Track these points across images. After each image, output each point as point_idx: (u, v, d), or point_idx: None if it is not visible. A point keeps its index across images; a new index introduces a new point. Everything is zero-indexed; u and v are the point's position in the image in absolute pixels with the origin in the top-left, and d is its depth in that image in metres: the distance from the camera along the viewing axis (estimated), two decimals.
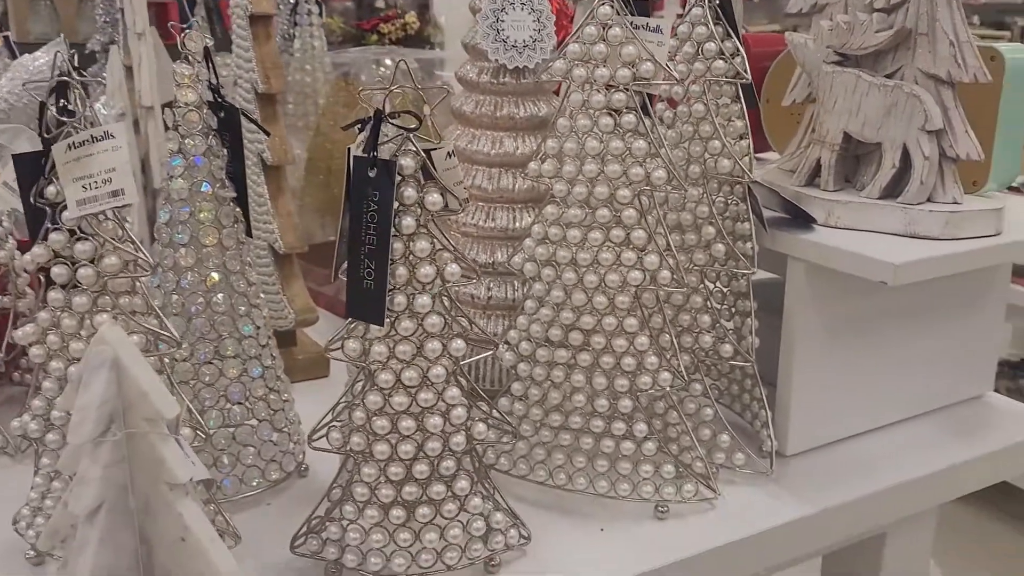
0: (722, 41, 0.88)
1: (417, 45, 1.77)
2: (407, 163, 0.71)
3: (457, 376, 0.75)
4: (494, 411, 0.79)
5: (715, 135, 0.90)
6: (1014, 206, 0.99)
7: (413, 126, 0.70)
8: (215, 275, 0.82)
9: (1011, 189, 1.12)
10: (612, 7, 0.79)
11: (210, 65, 0.80)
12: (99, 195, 0.68)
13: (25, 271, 0.97)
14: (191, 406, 0.78)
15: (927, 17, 0.91)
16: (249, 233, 0.85)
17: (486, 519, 0.77)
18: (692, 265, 0.92)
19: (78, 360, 0.70)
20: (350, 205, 0.71)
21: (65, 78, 0.69)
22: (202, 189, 0.80)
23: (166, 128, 0.81)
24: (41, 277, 0.71)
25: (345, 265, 0.72)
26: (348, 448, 0.74)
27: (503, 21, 0.94)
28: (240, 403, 0.84)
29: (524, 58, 0.95)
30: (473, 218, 0.98)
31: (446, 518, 0.75)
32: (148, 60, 1.09)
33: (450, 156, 0.76)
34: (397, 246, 0.71)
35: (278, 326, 1.08)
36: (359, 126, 0.72)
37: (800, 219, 0.94)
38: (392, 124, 0.70)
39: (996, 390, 1.13)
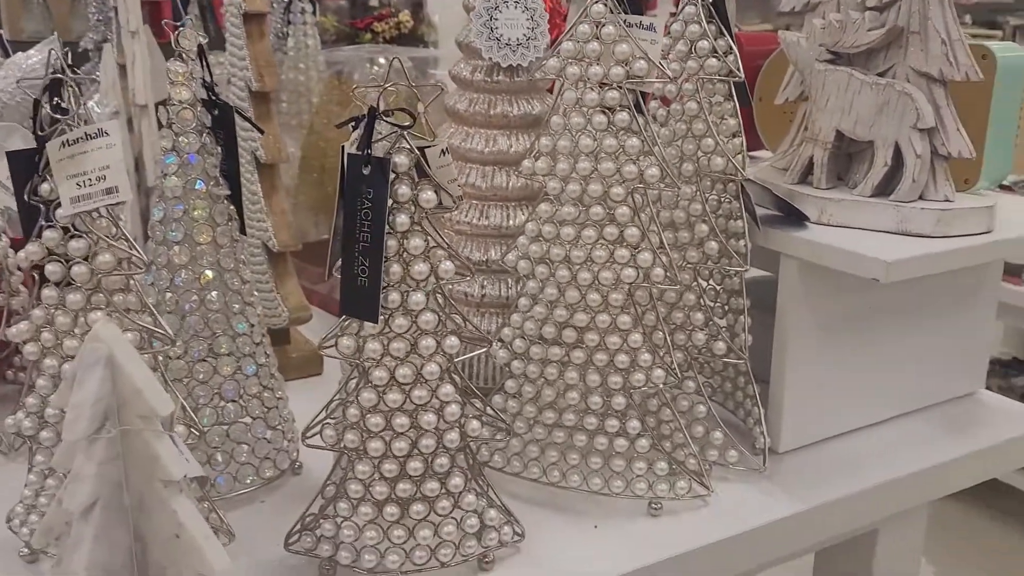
0: (715, 39, 0.89)
1: (411, 44, 1.76)
2: (401, 160, 0.71)
3: (451, 373, 0.75)
4: (488, 408, 0.79)
5: (708, 133, 0.90)
6: (1005, 204, 0.99)
7: (407, 124, 0.71)
8: (209, 273, 0.82)
9: (1002, 187, 1.13)
10: (606, 5, 0.80)
11: (204, 63, 0.80)
12: (93, 192, 0.68)
13: (18, 269, 0.97)
14: (185, 404, 0.78)
15: (919, 15, 0.91)
16: (243, 231, 0.85)
17: (480, 516, 0.77)
18: (685, 263, 0.93)
19: (72, 358, 0.70)
20: (344, 202, 0.71)
21: (59, 75, 0.69)
22: (196, 187, 0.80)
23: (160, 126, 0.81)
24: (35, 275, 0.71)
25: (339, 262, 0.72)
26: (342, 445, 0.75)
27: (497, 19, 0.94)
28: (234, 401, 0.85)
29: (518, 56, 0.95)
30: (467, 216, 0.98)
31: (440, 515, 0.75)
32: (142, 58, 1.09)
33: (444, 154, 0.76)
34: (391, 243, 0.71)
35: (272, 324, 1.08)
36: (353, 124, 0.73)
37: (793, 217, 0.95)
38: (386, 122, 0.70)
39: (988, 388, 1.13)
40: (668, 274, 0.82)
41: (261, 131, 1.01)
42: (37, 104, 0.69)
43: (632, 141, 0.80)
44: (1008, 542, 2.75)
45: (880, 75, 0.95)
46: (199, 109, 0.80)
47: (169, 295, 0.81)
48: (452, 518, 0.76)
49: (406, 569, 0.75)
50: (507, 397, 0.87)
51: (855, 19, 0.94)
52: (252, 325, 0.85)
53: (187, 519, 0.61)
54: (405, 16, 1.75)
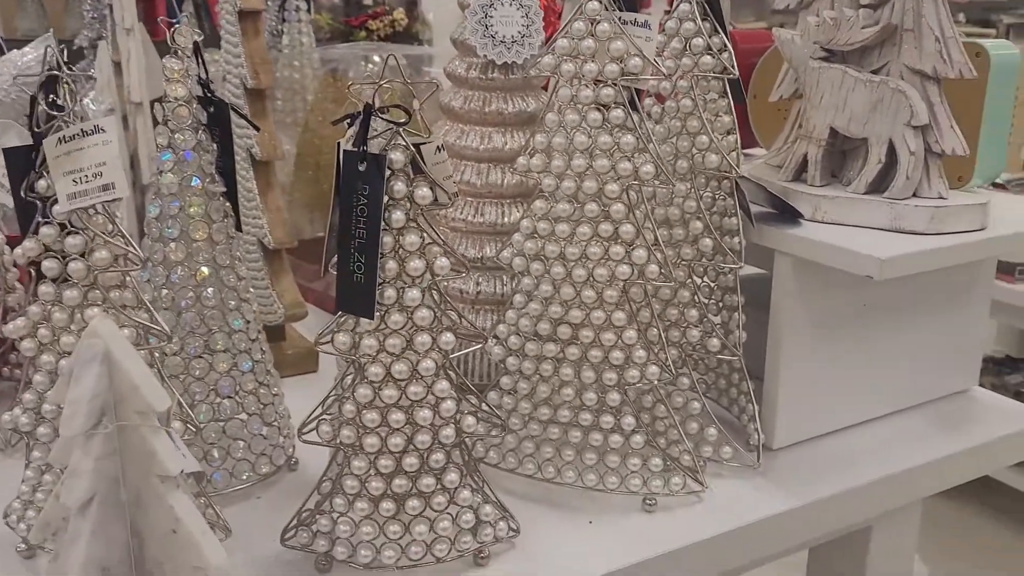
0: (710, 37, 0.89)
1: (405, 41, 1.76)
2: (397, 157, 0.71)
3: (447, 369, 0.76)
4: (483, 404, 0.79)
5: (703, 130, 0.90)
6: (998, 202, 1.00)
7: (403, 120, 0.71)
8: (205, 269, 0.82)
9: (995, 186, 1.13)
10: (601, 2, 0.80)
11: (200, 60, 0.80)
12: (89, 189, 0.68)
13: (14, 265, 0.97)
14: (181, 400, 0.78)
15: (913, 13, 0.92)
16: (239, 228, 0.85)
17: (475, 512, 0.78)
18: (680, 260, 0.93)
19: (69, 354, 0.70)
20: (340, 199, 0.71)
21: (55, 72, 0.69)
22: (192, 184, 0.81)
23: (156, 123, 0.81)
24: (32, 271, 0.71)
25: (335, 259, 0.72)
26: (338, 441, 0.75)
27: (492, 17, 0.94)
28: (230, 397, 0.85)
29: (512, 54, 0.95)
30: (462, 213, 0.99)
31: (436, 511, 0.76)
32: (137, 56, 1.09)
33: (439, 150, 0.77)
34: (387, 240, 0.72)
35: (267, 321, 1.08)
36: (349, 121, 0.73)
37: (787, 214, 0.95)
38: (382, 118, 0.71)
39: (981, 386, 1.14)
40: (663, 271, 0.82)
41: (257, 128, 1.01)
42: (34, 100, 0.69)
43: (627, 138, 0.81)
44: (1001, 539, 2.76)
45: (874, 72, 0.95)
46: (195, 106, 0.80)
47: (165, 292, 0.81)
48: (448, 514, 0.76)
49: (402, 564, 0.76)
50: (502, 393, 0.88)
51: (849, 16, 0.94)
52: (248, 322, 0.85)
53: (184, 514, 0.61)
54: (399, 14, 1.75)
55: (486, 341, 0.85)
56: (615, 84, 0.80)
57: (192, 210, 0.81)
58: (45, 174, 0.69)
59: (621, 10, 0.84)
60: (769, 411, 0.96)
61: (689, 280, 0.93)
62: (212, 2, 1.35)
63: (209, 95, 0.81)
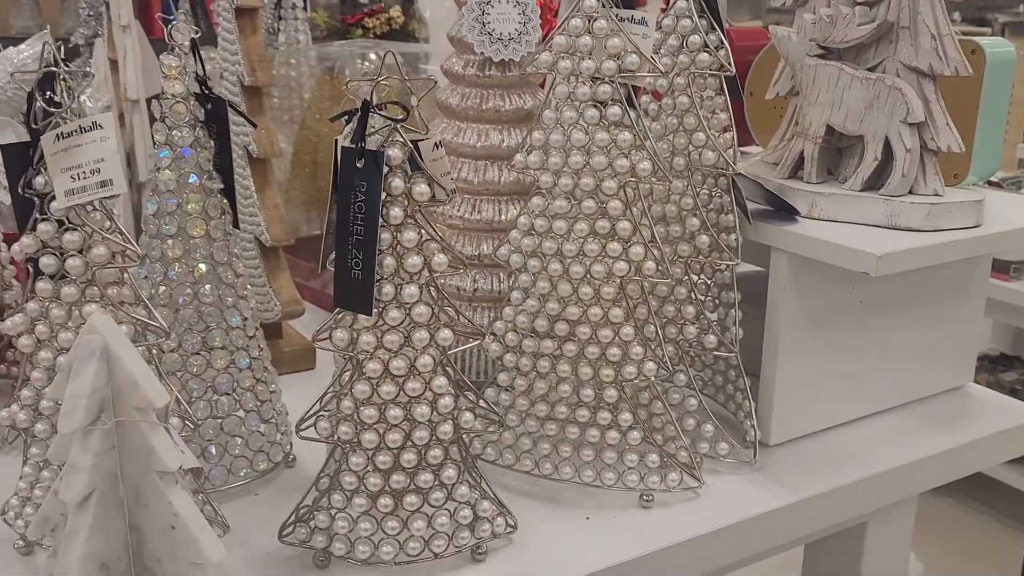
0: (706, 34, 0.89)
1: (401, 39, 1.76)
2: (395, 154, 0.71)
3: (444, 366, 0.76)
4: (481, 401, 0.79)
5: (699, 127, 0.90)
6: (993, 200, 1.00)
7: (400, 117, 0.71)
8: (202, 266, 0.82)
9: (990, 184, 1.14)
10: (598, 0, 0.80)
11: (197, 57, 0.81)
12: (87, 185, 0.68)
13: (12, 263, 0.97)
14: (179, 396, 0.78)
15: (909, 11, 0.92)
16: (236, 225, 0.85)
17: (473, 508, 0.78)
18: (677, 256, 0.93)
19: (66, 350, 0.70)
20: (338, 196, 0.71)
21: (53, 69, 0.69)
22: (189, 180, 0.81)
23: (152, 120, 0.81)
24: (29, 268, 0.71)
25: (333, 255, 0.73)
26: (336, 437, 0.75)
27: (489, 14, 0.94)
28: (228, 394, 0.85)
29: (510, 51, 0.95)
30: (459, 210, 0.99)
31: (433, 506, 0.76)
32: (133, 53, 1.09)
33: (437, 147, 0.77)
34: (385, 236, 0.72)
35: (264, 318, 1.08)
36: (346, 118, 0.73)
37: (783, 211, 0.95)
38: (380, 115, 0.71)
39: (976, 383, 1.14)
40: (660, 268, 0.82)
41: (254, 125, 1.01)
42: (31, 97, 0.69)
43: (624, 135, 0.81)
44: (995, 535, 2.77)
45: (870, 70, 0.95)
46: (192, 103, 0.80)
47: (163, 288, 0.81)
48: (445, 509, 0.76)
49: (400, 560, 0.76)
50: (500, 390, 0.88)
51: (845, 14, 0.95)
52: (245, 319, 0.85)
53: (183, 510, 0.61)
54: (396, 12, 1.75)
55: (483, 338, 0.85)
56: (612, 81, 0.81)
57: (190, 207, 0.81)
58: (43, 170, 0.69)
59: (618, 7, 0.84)
60: (765, 407, 0.96)
61: (686, 277, 0.94)
62: (208, 0, 1.35)
63: (206, 92, 0.81)
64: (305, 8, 1.60)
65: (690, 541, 0.82)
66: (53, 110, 0.69)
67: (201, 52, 0.81)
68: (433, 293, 0.75)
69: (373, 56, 1.55)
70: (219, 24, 1.07)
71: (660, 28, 0.91)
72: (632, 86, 0.84)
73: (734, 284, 0.95)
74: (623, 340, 0.83)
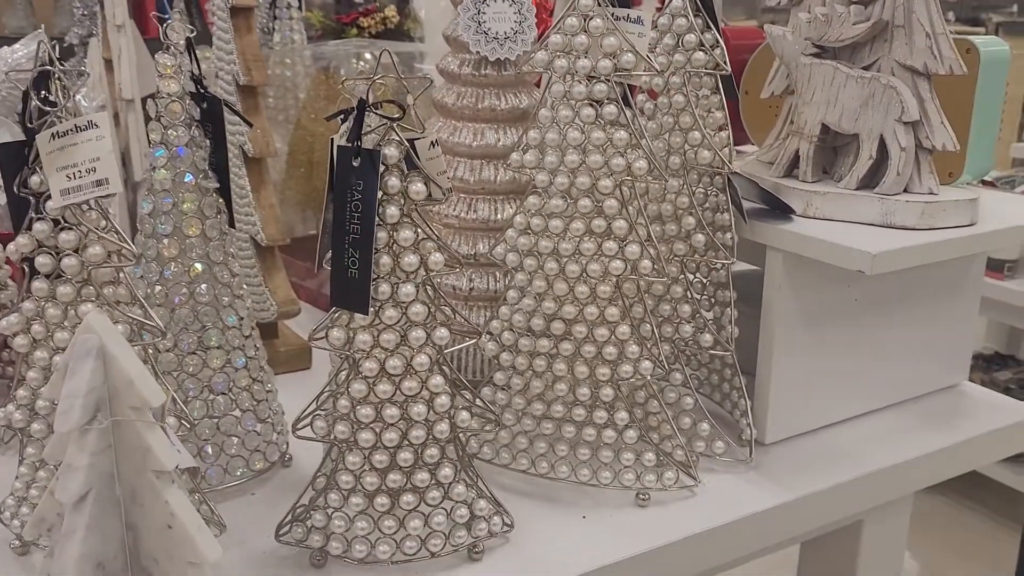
0: (702, 33, 0.89)
1: (396, 38, 1.76)
2: (391, 152, 0.71)
3: (441, 364, 0.76)
4: (477, 400, 0.79)
5: (695, 126, 0.90)
6: (987, 199, 1.00)
7: (397, 116, 0.71)
8: (198, 265, 0.82)
9: (984, 183, 1.14)
10: None
11: (192, 56, 0.80)
12: (83, 184, 0.68)
13: (7, 262, 0.97)
14: (175, 396, 0.78)
15: (903, 9, 0.92)
16: (232, 224, 0.85)
17: (469, 507, 0.78)
18: (673, 255, 0.93)
19: (62, 350, 0.70)
20: (334, 195, 0.71)
21: (48, 68, 0.69)
22: (185, 180, 0.80)
23: (148, 120, 0.81)
24: (25, 267, 0.71)
25: (329, 254, 0.72)
26: (332, 437, 0.75)
27: (484, 13, 0.94)
28: (224, 393, 0.85)
29: (505, 50, 0.95)
30: (455, 210, 0.99)
31: (430, 505, 0.76)
32: (128, 52, 1.09)
33: (433, 146, 0.77)
34: (381, 235, 0.72)
35: (260, 318, 1.08)
36: (342, 117, 0.73)
37: (779, 210, 0.95)
38: (376, 114, 0.71)
39: (971, 382, 1.14)
40: (655, 267, 0.83)
41: (250, 124, 1.01)
42: (26, 96, 0.69)
43: (620, 134, 0.81)
44: (988, 534, 2.77)
45: (865, 68, 0.96)
46: (188, 102, 0.80)
47: (159, 288, 0.81)
48: (442, 508, 0.76)
49: (396, 559, 0.76)
50: (496, 389, 0.88)
51: (840, 13, 0.95)
52: (241, 318, 0.85)
53: (179, 509, 0.61)
54: (391, 11, 1.75)
55: (480, 337, 0.85)
56: (608, 80, 0.81)
57: (185, 206, 0.81)
58: (38, 170, 0.69)
59: (614, 6, 0.85)
60: (761, 406, 0.96)
61: (682, 276, 0.94)
62: (202, 0, 1.35)
63: (202, 91, 0.81)
64: (300, 7, 1.59)
65: (686, 540, 0.82)
66: (48, 109, 0.69)
67: (196, 51, 0.81)
68: (429, 292, 0.75)
69: (368, 55, 1.55)
70: (214, 23, 1.07)
71: (656, 27, 0.91)
72: (628, 85, 0.84)
73: (730, 283, 0.95)
74: (619, 339, 0.83)
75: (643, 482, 0.87)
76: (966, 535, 2.76)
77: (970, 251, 0.97)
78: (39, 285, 0.70)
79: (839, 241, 0.88)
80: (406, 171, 0.72)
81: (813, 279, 0.94)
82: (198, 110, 0.81)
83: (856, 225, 0.93)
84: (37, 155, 0.68)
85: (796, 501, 0.89)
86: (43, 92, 0.69)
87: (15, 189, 0.69)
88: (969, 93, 1.01)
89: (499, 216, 0.98)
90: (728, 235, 0.93)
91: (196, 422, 0.83)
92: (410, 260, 0.72)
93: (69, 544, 0.59)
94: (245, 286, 0.88)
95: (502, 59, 0.96)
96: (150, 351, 0.75)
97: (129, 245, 0.71)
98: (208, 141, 0.82)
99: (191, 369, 0.83)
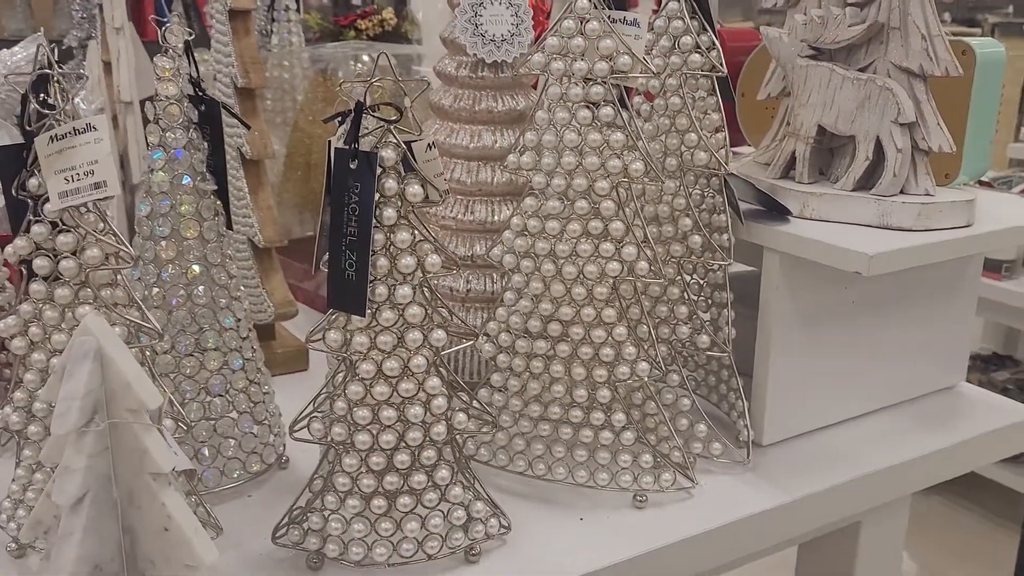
0: (698, 35, 0.90)
1: (394, 41, 1.76)
2: (388, 155, 0.71)
3: (438, 366, 0.76)
4: (474, 402, 0.80)
5: (691, 128, 0.91)
6: (984, 200, 1.01)
7: (394, 118, 0.71)
8: (196, 268, 0.82)
9: (981, 183, 1.14)
10: (590, 1, 0.80)
11: (190, 59, 0.81)
12: (81, 187, 0.68)
13: (5, 264, 0.97)
14: (172, 398, 0.78)
15: (899, 11, 0.93)
16: (229, 226, 0.85)
17: (467, 508, 0.78)
18: (669, 257, 0.93)
19: (60, 352, 0.70)
20: (331, 197, 0.71)
21: (46, 71, 0.69)
22: (183, 182, 0.81)
23: (146, 122, 0.81)
24: (23, 269, 0.71)
25: (326, 257, 0.73)
26: (329, 439, 0.75)
27: (481, 15, 0.94)
28: (221, 395, 0.85)
29: (502, 52, 0.95)
30: (452, 211, 0.99)
31: (427, 507, 0.76)
32: (126, 55, 1.09)
33: (430, 148, 0.77)
34: (378, 237, 0.72)
35: (257, 320, 1.08)
36: (340, 119, 0.73)
37: (775, 211, 0.95)
38: (373, 116, 0.71)
39: (968, 383, 1.15)
40: (652, 268, 0.83)
41: (248, 127, 1.01)
42: (25, 99, 0.69)
43: (616, 136, 0.81)
44: (987, 536, 2.78)
45: (861, 70, 0.96)
46: (186, 104, 0.80)
47: (156, 290, 0.81)
48: (439, 511, 0.76)
49: (393, 561, 0.76)
50: (493, 391, 0.88)
51: (836, 15, 0.95)
52: (239, 320, 0.85)
53: (176, 512, 0.61)
54: (389, 13, 1.75)
55: (477, 338, 0.85)
56: (604, 82, 0.81)
57: (183, 208, 0.81)
58: (36, 172, 0.69)
59: (610, 8, 0.85)
60: (758, 407, 0.96)
61: (678, 277, 0.94)
62: (201, 2, 1.35)
63: (200, 94, 0.81)
64: (298, 10, 1.60)
65: (684, 541, 0.82)
66: (47, 112, 0.69)
67: (194, 54, 0.81)
68: (426, 294, 0.75)
69: (366, 58, 1.55)
70: (212, 26, 1.07)
71: (652, 29, 0.91)
72: (624, 87, 0.84)
73: (727, 284, 0.95)
74: (616, 340, 0.83)
75: (640, 483, 0.87)
76: (964, 536, 2.77)
77: (967, 252, 0.97)
78: (37, 287, 0.71)
79: (836, 242, 0.88)
80: (403, 173, 0.72)
81: (810, 280, 0.94)
82: (196, 112, 0.81)
83: (853, 226, 0.93)
84: (35, 158, 0.69)
85: (793, 502, 0.89)
86: (42, 95, 0.69)
87: (13, 191, 0.70)
88: (965, 94, 1.01)
89: (496, 218, 0.98)
90: (725, 236, 0.93)
91: (193, 424, 0.83)
92: (407, 262, 0.72)
93: (66, 546, 0.59)
94: (242, 288, 0.88)
95: (499, 61, 0.96)
96: (147, 353, 0.75)
97: (127, 247, 0.71)
98: (206, 143, 0.82)
99: (188, 371, 0.83)
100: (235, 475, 0.87)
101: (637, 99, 0.94)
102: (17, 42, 1.20)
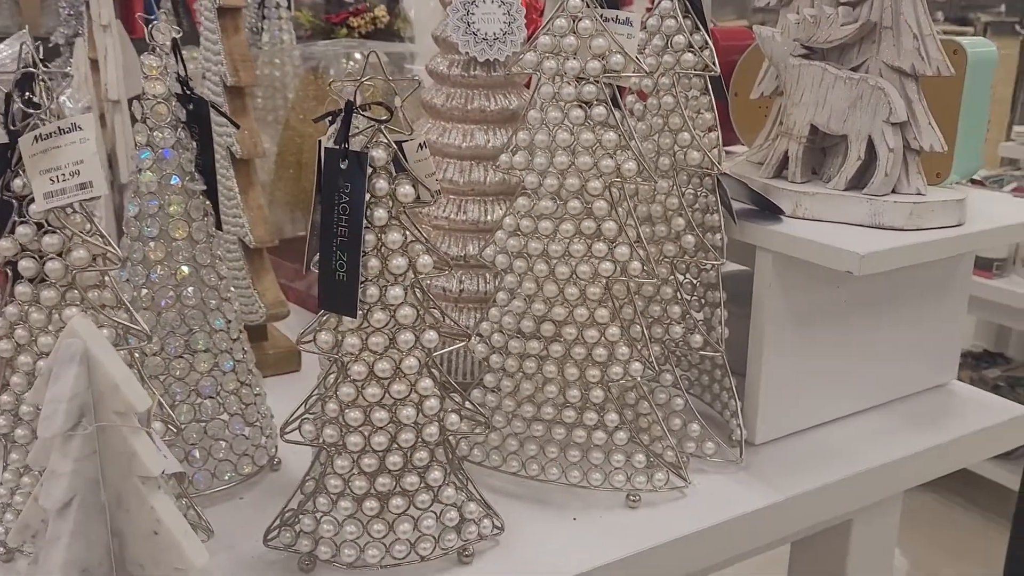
0: (691, 34, 0.89)
1: (386, 39, 1.76)
2: (379, 155, 0.71)
3: (430, 367, 0.75)
4: (467, 402, 0.79)
5: (684, 127, 0.90)
6: (976, 198, 1.01)
7: (384, 118, 0.70)
8: (185, 269, 0.81)
9: (973, 182, 1.14)
10: (582, 0, 0.80)
11: (178, 57, 0.80)
12: (67, 187, 0.68)
13: None
14: (162, 400, 0.77)
15: (891, 11, 0.92)
16: (219, 226, 0.84)
17: (459, 509, 0.77)
18: (662, 256, 0.93)
19: (46, 355, 0.70)
20: (322, 197, 0.71)
21: (31, 70, 0.68)
22: (171, 182, 0.80)
23: (134, 121, 0.80)
24: (8, 271, 0.70)
25: (317, 257, 0.72)
26: (321, 440, 0.74)
27: (473, 14, 0.94)
28: (211, 397, 0.84)
29: (495, 51, 0.95)
30: (444, 211, 0.98)
31: (420, 509, 0.75)
32: (114, 53, 1.08)
33: (422, 148, 0.76)
34: (369, 238, 0.71)
35: (249, 320, 1.07)
36: (330, 118, 0.72)
37: (768, 210, 0.95)
38: (364, 116, 0.70)
39: (960, 381, 1.15)
40: (645, 268, 0.82)
41: (237, 126, 1.01)
42: (9, 98, 0.69)
43: (609, 135, 0.81)
44: (979, 532, 2.78)
45: (853, 70, 0.96)
46: (174, 103, 0.79)
47: (145, 291, 0.81)
48: (432, 512, 0.76)
49: (386, 563, 0.76)
50: (486, 391, 0.88)
51: (828, 14, 0.95)
52: (229, 321, 0.85)
53: (165, 515, 0.61)
54: (381, 11, 1.75)
55: (469, 339, 0.85)
56: (597, 81, 0.80)
57: (172, 208, 0.80)
58: (21, 173, 0.68)
59: (603, 7, 0.84)
60: (751, 407, 0.96)
61: (671, 277, 0.93)
62: (190, 0, 1.34)
63: (188, 92, 0.81)
64: (289, 7, 1.59)
65: (677, 541, 0.82)
66: (32, 111, 0.68)
67: (183, 52, 0.80)
68: (418, 295, 0.74)
69: (358, 56, 1.55)
70: (201, 23, 1.06)
71: (645, 28, 0.91)
72: (617, 86, 0.83)
73: (719, 283, 0.95)
74: (609, 340, 0.83)
75: (633, 483, 0.86)
76: (956, 532, 2.77)
77: (958, 251, 0.97)
78: (22, 289, 0.70)
79: (828, 242, 0.88)
80: (394, 173, 0.72)
81: (802, 279, 0.94)
82: (184, 112, 0.80)
83: (845, 226, 0.93)
84: (20, 158, 0.68)
85: (786, 501, 0.89)
86: (26, 94, 0.68)
87: None
88: (956, 94, 1.01)
89: (489, 217, 0.98)
90: (718, 236, 0.93)
91: (183, 426, 0.82)
92: (398, 263, 0.72)
93: (54, 550, 0.59)
94: (233, 288, 0.87)
95: (491, 60, 0.96)
96: (136, 355, 0.75)
97: (114, 248, 0.71)
98: (195, 143, 0.81)
99: (178, 373, 0.82)
100: (226, 477, 0.86)
101: (630, 98, 0.93)
102: (3, 39, 1.19)
